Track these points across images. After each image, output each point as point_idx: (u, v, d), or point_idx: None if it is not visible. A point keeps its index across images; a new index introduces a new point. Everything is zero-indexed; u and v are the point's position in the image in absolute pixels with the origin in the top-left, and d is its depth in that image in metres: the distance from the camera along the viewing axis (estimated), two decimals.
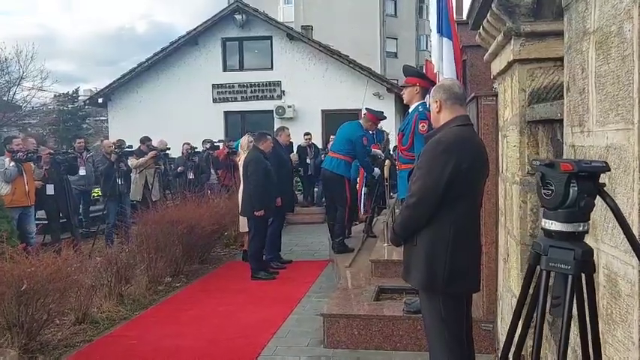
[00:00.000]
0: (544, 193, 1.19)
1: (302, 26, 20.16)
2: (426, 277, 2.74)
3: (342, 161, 6.97)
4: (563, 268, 1.16)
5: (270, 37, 17.75)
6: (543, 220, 1.21)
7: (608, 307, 1.75)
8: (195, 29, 17.67)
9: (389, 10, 33.31)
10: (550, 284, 1.29)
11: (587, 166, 1.12)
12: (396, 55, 33.21)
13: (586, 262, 1.17)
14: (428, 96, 4.73)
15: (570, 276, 1.15)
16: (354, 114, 16.85)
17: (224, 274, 7.42)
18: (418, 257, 2.77)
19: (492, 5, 3.23)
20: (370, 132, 7.56)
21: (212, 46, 17.96)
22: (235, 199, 9.08)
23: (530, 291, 1.25)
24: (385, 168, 8.53)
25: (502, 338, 4.18)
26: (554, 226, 1.18)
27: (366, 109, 7.79)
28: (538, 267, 1.21)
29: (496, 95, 4.17)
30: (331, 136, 10.64)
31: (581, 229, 1.20)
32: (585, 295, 1.17)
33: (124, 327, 5.30)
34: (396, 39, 33.63)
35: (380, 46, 30.95)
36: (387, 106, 16.79)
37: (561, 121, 2.77)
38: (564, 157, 2.18)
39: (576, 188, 1.14)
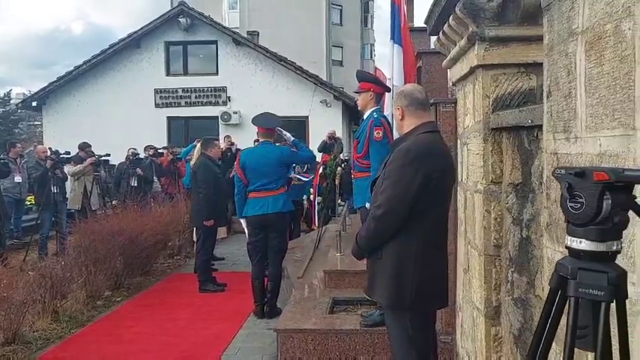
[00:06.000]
0: (571, 207, 1.04)
1: (248, 32, 19.84)
2: (392, 293, 2.58)
3: (280, 196, 5.55)
4: (596, 294, 1.01)
5: (215, 42, 17.37)
6: (569, 237, 1.06)
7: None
8: (137, 32, 17.08)
9: (335, 19, 33.47)
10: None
11: (627, 175, 0.98)
12: (341, 63, 33.37)
13: (620, 287, 1.02)
14: (392, 101, 4.62)
15: (603, 304, 1.00)
16: (301, 121, 16.71)
17: (169, 287, 7.06)
18: (384, 272, 2.61)
19: (456, 8, 3.13)
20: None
21: (155, 50, 17.40)
22: (179, 208, 8.75)
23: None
24: (337, 176, 8.39)
25: (461, 351, 4.09)
26: (584, 244, 1.04)
27: (254, 122, 6.12)
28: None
29: (455, 102, 4.10)
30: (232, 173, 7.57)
31: (614, 248, 1.05)
32: (616, 325, 1.02)
33: (60, 347, 4.90)
34: (342, 47, 33.81)
35: (326, 54, 31.01)
36: (334, 114, 16.75)
37: (529, 128, 2.69)
38: (545, 165, 2.07)
39: (610, 201, 1.00)
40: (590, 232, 1.03)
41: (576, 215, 1.04)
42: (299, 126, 16.38)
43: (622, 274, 1.04)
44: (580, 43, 1.72)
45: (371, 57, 38.95)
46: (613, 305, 1.07)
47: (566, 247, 1.09)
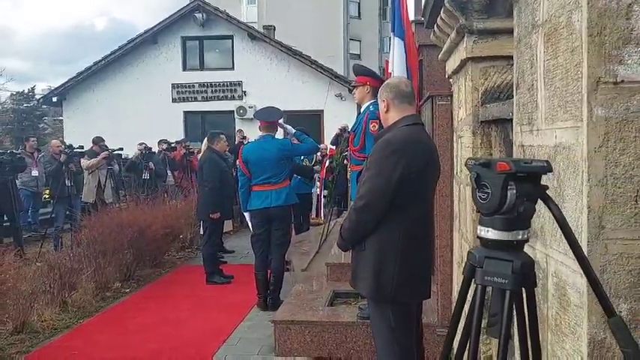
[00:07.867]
0: (479, 197, 1.05)
1: (264, 26, 19.94)
2: (374, 285, 2.59)
3: (283, 190, 5.53)
4: (500, 282, 1.02)
5: (231, 37, 17.48)
6: (479, 227, 1.08)
7: (557, 317, 1.63)
8: (154, 27, 17.29)
9: (353, 12, 33.34)
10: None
11: (527, 166, 0.99)
12: (359, 56, 33.19)
13: (526, 276, 1.03)
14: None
15: (508, 291, 1.01)
16: (316, 115, 16.73)
17: (177, 279, 7.16)
18: (366, 264, 2.62)
19: (445, 1, 3.12)
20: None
21: (172, 45, 17.59)
22: (191, 201, 8.87)
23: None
24: (349, 170, 8.39)
25: (456, 346, 4.09)
26: (491, 234, 1.05)
27: (256, 117, 5.97)
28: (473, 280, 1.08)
29: (451, 95, 4.08)
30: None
31: (520, 237, 1.06)
32: (526, 313, 1.03)
33: (66, 336, 5.01)
34: (360, 41, 33.67)
35: (343, 47, 30.94)
36: (349, 108, 16.70)
37: (512, 120, 2.68)
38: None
39: (514, 191, 1.01)
40: (496, 222, 1.04)
41: (484, 205, 1.05)
42: (314, 120, 16.42)
43: (527, 263, 1.05)
44: (540, 35, 1.72)
45: (389, 50, 38.68)
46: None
47: (477, 237, 1.10)
